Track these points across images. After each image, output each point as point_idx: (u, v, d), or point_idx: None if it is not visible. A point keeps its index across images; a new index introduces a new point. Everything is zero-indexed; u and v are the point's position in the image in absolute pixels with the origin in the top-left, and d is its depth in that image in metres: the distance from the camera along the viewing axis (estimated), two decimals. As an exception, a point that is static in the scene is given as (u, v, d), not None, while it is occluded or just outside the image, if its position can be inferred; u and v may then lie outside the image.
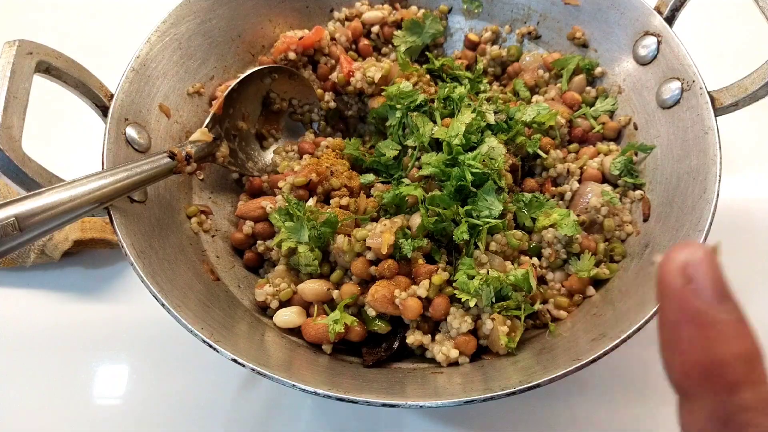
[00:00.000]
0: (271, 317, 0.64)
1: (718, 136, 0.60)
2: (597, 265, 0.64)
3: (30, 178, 0.53)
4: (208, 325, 0.54)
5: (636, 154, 0.69)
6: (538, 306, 0.60)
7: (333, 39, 0.80)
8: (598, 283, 0.64)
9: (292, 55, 0.77)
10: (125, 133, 0.64)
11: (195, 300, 0.58)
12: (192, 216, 0.69)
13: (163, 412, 0.71)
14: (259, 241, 0.69)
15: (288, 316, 0.63)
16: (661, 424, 0.68)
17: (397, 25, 0.83)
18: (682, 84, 0.65)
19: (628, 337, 0.51)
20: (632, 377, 0.71)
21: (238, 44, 0.77)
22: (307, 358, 0.61)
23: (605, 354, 0.50)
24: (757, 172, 0.84)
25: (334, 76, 0.78)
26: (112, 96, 0.64)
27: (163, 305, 0.53)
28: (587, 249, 0.63)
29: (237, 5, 0.76)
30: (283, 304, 0.65)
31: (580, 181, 0.69)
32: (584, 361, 0.49)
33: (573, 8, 0.76)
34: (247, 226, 0.69)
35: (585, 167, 0.69)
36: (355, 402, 0.49)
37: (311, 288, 0.63)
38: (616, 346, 0.50)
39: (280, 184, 0.69)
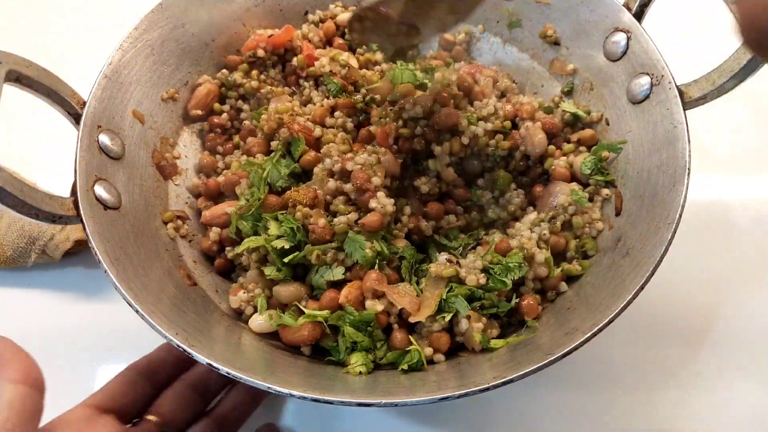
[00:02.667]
0: (246, 322, 0.64)
1: (687, 129, 0.61)
2: (569, 261, 0.64)
3: (1, 188, 0.53)
4: (182, 329, 0.54)
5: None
6: (514, 302, 0.61)
7: (307, 39, 0.80)
8: (571, 278, 0.64)
9: (260, 53, 0.77)
10: (98, 141, 0.63)
11: (169, 305, 0.58)
12: (168, 222, 0.68)
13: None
14: (227, 248, 0.69)
15: (263, 321, 0.63)
16: (630, 411, 0.70)
17: None
18: (652, 79, 0.66)
19: (600, 330, 0.51)
20: (607, 367, 0.72)
21: (212, 49, 0.78)
22: (285, 360, 0.61)
23: (577, 348, 0.50)
24: (734, 172, 0.85)
25: (295, 61, 0.78)
26: (84, 103, 0.64)
27: (137, 311, 0.53)
28: (557, 246, 0.64)
29: (210, 10, 0.76)
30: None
31: (549, 181, 0.70)
32: (556, 356, 0.50)
33: (544, 6, 0.76)
34: (214, 233, 0.69)
35: (554, 167, 0.70)
36: (330, 402, 0.50)
37: (287, 290, 0.63)
38: (588, 339, 0.51)
39: (237, 189, 0.69)
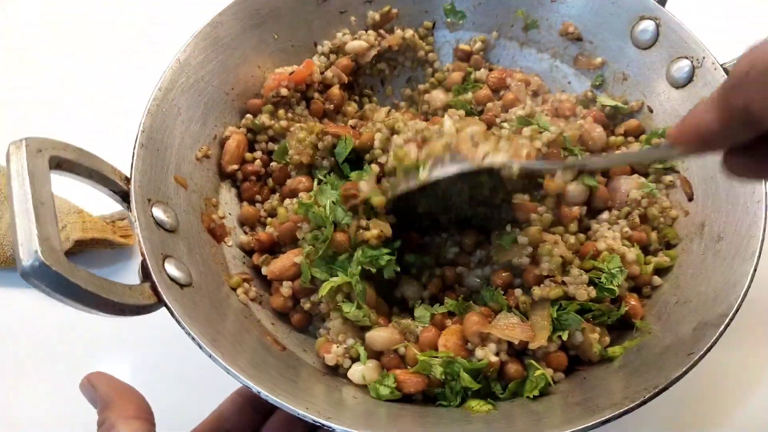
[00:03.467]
0: (344, 375, 0.61)
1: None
2: (654, 254, 0.64)
3: (83, 290, 0.48)
4: (311, 402, 0.51)
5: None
6: (624, 309, 0.60)
7: (322, 73, 0.77)
8: (660, 271, 0.64)
9: (284, 92, 0.74)
10: (153, 215, 0.59)
11: (277, 376, 0.55)
12: (236, 287, 0.64)
13: (163, 413, 0.67)
14: (302, 299, 0.65)
15: (364, 373, 0.59)
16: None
17: (380, 55, 0.81)
18: (692, 62, 0.67)
19: (732, 318, 0.51)
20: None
21: (232, 98, 0.74)
22: (394, 409, 0.58)
23: (717, 339, 0.50)
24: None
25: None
26: (127, 179, 0.59)
27: (258, 393, 0.49)
28: (640, 241, 0.64)
29: (225, 58, 0.72)
30: (355, 359, 0.62)
31: (608, 178, 0.69)
32: (701, 352, 0.49)
33: (560, 5, 0.76)
34: (286, 287, 0.65)
35: None
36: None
37: (380, 336, 0.60)
38: (724, 330, 0.51)
39: (299, 234, 0.66)
